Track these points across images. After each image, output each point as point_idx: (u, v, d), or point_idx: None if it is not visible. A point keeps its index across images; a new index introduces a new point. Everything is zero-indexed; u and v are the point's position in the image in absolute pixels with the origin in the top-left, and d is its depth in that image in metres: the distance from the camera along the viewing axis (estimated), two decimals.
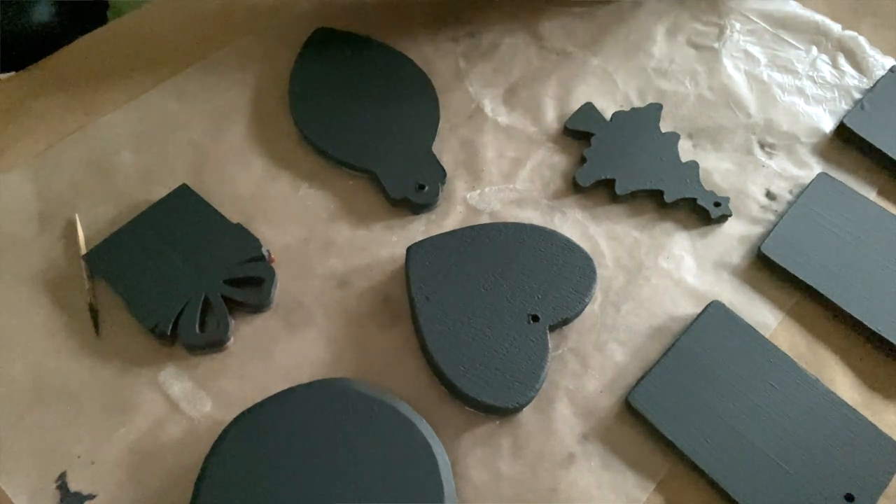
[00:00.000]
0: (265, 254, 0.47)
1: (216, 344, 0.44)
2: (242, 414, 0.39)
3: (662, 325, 0.47)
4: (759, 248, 0.49)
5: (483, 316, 0.44)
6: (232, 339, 0.45)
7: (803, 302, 0.48)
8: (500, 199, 0.52)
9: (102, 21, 0.61)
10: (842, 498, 0.40)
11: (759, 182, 0.54)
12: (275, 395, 0.40)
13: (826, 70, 0.61)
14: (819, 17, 0.64)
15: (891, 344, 0.45)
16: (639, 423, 0.43)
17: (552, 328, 0.44)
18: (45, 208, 0.50)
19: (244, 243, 0.47)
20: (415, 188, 0.51)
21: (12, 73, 0.56)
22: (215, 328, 0.44)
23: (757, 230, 0.52)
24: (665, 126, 0.56)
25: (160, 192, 0.50)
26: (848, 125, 0.55)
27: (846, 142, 0.56)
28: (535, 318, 0.44)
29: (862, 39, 0.63)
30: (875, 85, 0.59)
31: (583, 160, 0.53)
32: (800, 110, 0.58)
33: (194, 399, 0.43)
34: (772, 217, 0.52)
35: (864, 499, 0.40)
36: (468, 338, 0.43)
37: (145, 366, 0.44)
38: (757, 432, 0.42)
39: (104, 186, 0.51)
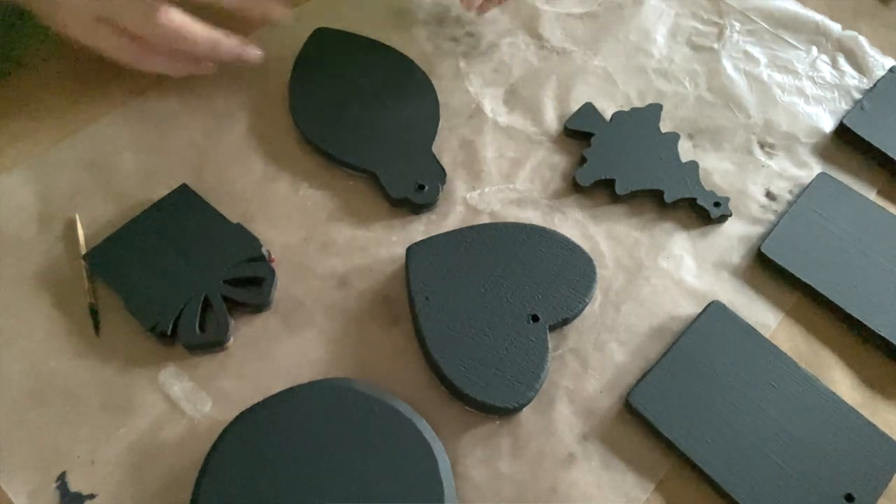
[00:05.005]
0: (265, 254, 0.47)
1: (216, 344, 0.44)
2: (242, 414, 0.39)
3: (662, 325, 0.47)
4: (759, 248, 0.49)
5: (483, 316, 0.44)
6: (232, 339, 0.45)
7: (803, 302, 0.48)
8: (500, 199, 0.52)
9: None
10: (842, 498, 0.40)
11: (759, 182, 0.54)
12: (275, 395, 0.40)
13: (826, 70, 0.61)
14: (819, 17, 0.64)
15: (891, 344, 0.45)
16: (639, 423, 0.43)
17: (552, 328, 0.44)
18: (45, 208, 0.50)
19: (244, 243, 0.47)
20: (415, 188, 0.51)
21: (12, 74, 0.56)
22: (215, 328, 0.44)
23: (757, 230, 0.52)
24: (665, 126, 0.56)
25: (160, 192, 0.50)
26: (848, 125, 0.56)
27: (846, 142, 0.56)
28: (535, 318, 0.44)
29: (862, 39, 0.63)
30: (875, 85, 0.59)
31: (583, 160, 0.53)
32: (800, 110, 0.58)
33: (194, 399, 0.43)
34: (772, 217, 0.52)
35: (864, 499, 0.40)
36: (468, 338, 0.43)
37: (145, 366, 0.44)
38: (757, 432, 0.42)
39: (104, 186, 0.51)
